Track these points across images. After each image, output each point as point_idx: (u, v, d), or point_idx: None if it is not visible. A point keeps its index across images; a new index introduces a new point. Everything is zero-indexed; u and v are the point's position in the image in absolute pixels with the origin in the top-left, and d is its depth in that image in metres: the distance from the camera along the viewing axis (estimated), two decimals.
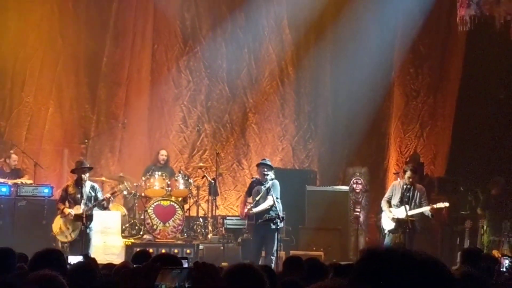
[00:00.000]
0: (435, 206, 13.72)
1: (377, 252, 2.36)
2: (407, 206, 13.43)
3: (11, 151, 15.62)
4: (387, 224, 13.73)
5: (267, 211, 12.97)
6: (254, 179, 13.94)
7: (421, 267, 2.27)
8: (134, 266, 5.40)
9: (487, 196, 15.59)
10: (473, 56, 17.50)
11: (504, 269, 8.47)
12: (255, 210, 13.03)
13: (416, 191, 13.69)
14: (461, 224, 15.62)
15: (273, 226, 12.92)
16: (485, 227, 15.44)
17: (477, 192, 16.40)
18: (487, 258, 8.82)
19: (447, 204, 13.95)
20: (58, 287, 3.96)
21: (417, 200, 13.65)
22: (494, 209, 15.40)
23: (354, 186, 16.59)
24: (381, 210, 14.48)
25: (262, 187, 13.13)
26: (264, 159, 13.84)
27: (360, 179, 16.69)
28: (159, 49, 18.07)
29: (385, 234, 13.82)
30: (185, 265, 4.73)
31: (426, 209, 13.59)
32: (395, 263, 2.29)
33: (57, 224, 13.01)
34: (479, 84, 17.55)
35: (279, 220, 12.92)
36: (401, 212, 13.43)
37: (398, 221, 13.49)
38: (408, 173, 13.72)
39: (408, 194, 13.63)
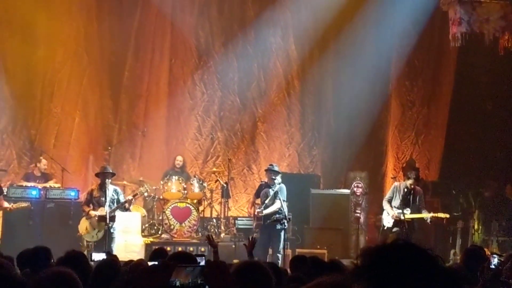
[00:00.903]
0: (436, 215, 13.80)
1: (379, 246, 2.33)
2: (408, 210, 13.53)
3: (41, 157, 15.68)
4: (388, 222, 13.80)
5: (274, 212, 12.97)
6: (263, 182, 13.94)
7: (420, 260, 2.25)
8: (151, 263, 5.42)
9: (481, 198, 15.56)
10: (464, 71, 17.51)
11: (493, 266, 8.45)
12: (264, 212, 13.03)
13: (416, 194, 13.76)
14: (453, 225, 15.61)
15: (279, 227, 12.91)
16: (475, 227, 15.45)
17: (468, 194, 16.38)
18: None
19: (447, 216, 14.05)
20: (72, 283, 3.96)
21: (417, 203, 13.75)
22: (487, 210, 15.40)
23: (355, 189, 16.56)
24: (380, 211, 14.52)
25: (270, 190, 13.11)
26: (272, 165, 13.81)
27: (360, 183, 16.67)
28: (176, 64, 18.10)
29: (385, 230, 13.89)
30: (202, 262, 4.75)
31: (427, 217, 13.66)
32: (396, 255, 2.28)
33: (83, 225, 13.03)
34: (469, 96, 17.56)
35: (286, 221, 12.92)
36: (401, 213, 13.49)
37: (397, 221, 13.56)
38: (411, 181, 13.79)
39: (408, 197, 13.72)
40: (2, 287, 3.82)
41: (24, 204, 13.59)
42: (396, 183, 14.36)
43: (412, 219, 13.70)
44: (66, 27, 17.22)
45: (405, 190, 13.76)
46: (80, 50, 17.41)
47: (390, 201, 13.90)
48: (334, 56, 18.04)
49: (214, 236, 15.21)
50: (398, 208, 13.65)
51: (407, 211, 13.55)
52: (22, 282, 4.02)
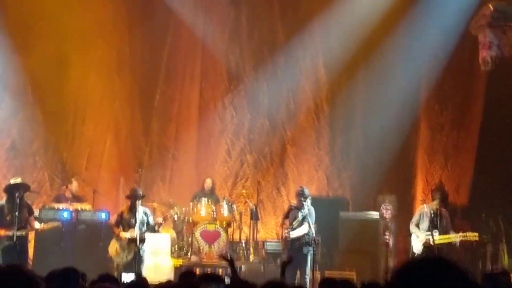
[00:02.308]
0: (465, 234, 13.69)
1: (410, 261, 2.31)
2: (436, 232, 13.44)
3: (72, 178, 15.77)
4: (417, 246, 13.71)
5: (302, 236, 12.91)
6: (292, 205, 13.87)
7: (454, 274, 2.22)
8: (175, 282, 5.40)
9: None
10: (494, 94, 17.32)
11: None
12: (291, 234, 12.97)
13: (443, 216, 13.71)
14: (483, 249, 15.44)
15: (306, 249, 12.85)
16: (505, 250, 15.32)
17: (498, 218, 16.20)
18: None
19: (476, 235, 13.91)
20: None
21: (444, 226, 13.67)
22: None
23: (384, 212, 16.42)
24: (409, 234, 14.40)
25: (299, 213, 13.06)
26: (302, 188, 13.69)
27: (389, 206, 16.53)
28: (206, 88, 18.18)
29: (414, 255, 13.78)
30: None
31: (456, 240, 13.56)
32: (428, 270, 2.26)
33: (113, 247, 13.07)
34: (499, 120, 17.37)
35: (314, 244, 12.85)
36: (430, 237, 13.43)
37: (427, 244, 13.49)
38: (436, 202, 13.76)
39: (436, 219, 13.64)
40: None
41: (55, 224, 13.65)
42: (422, 206, 14.30)
43: (441, 244, 13.58)
44: (99, 51, 17.40)
45: (432, 212, 13.71)
46: (112, 73, 17.57)
47: (417, 225, 13.83)
48: (363, 79, 18.00)
49: (243, 259, 15.33)
50: (426, 231, 13.59)
51: (436, 233, 13.48)
52: None
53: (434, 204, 13.80)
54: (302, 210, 13.01)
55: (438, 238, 13.50)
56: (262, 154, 18.07)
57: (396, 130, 17.47)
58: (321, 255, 15.28)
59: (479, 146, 17.51)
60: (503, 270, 11.23)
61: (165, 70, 17.87)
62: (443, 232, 13.60)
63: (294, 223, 12.99)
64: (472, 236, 13.87)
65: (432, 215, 13.69)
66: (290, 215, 13.22)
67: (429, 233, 13.47)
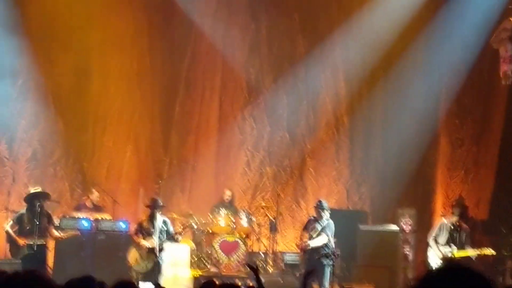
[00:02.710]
0: (480, 251, 13.56)
1: (433, 270, 2.28)
2: (454, 247, 13.34)
3: (93, 189, 15.81)
4: (434, 260, 13.59)
5: (321, 247, 12.82)
6: (311, 217, 13.82)
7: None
8: None
9: None
10: None
11: None
12: (310, 243, 12.87)
13: (462, 231, 13.59)
14: (503, 264, 15.29)
15: (325, 262, 12.74)
16: None
17: None
18: None
19: (494, 252, 13.78)
20: None
21: (463, 240, 13.57)
22: None
23: (404, 226, 16.32)
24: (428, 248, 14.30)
25: (318, 225, 13.02)
26: (321, 201, 13.63)
27: (409, 221, 16.42)
28: (226, 100, 18.19)
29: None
30: None
31: (472, 255, 13.44)
32: (451, 278, 2.27)
33: (133, 256, 13.06)
34: None
35: (333, 257, 12.75)
36: (448, 251, 13.31)
37: (445, 259, 13.37)
38: (455, 217, 13.65)
39: (455, 234, 13.57)
40: None
41: (74, 233, 13.64)
42: (443, 220, 14.21)
43: (459, 258, 13.47)
44: (119, 63, 17.47)
45: (452, 227, 13.62)
46: (133, 85, 17.62)
47: (436, 238, 13.73)
48: (383, 93, 17.94)
49: (262, 271, 15.24)
50: (444, 245, 13.48)
51: (454, 248, 13.38)
52: None
53: (454, 219, 13.70)
54: (321, 221, 12.97)
55: (456, 253, 13.40)
56: (282, 167, 18.05)
57: (416, 144, 17.39)
58: (339, 268, 15.19)
59: (499, 161, 17.40)
60: None
61: (185, 82, 17.91)
62: (460, 247, 13.50)
63: (312, 233, 12.93)
64: (488, 251, 13.75)
65: (452, 229, 13.60)
66: (309, 227, 13.17)
67: (447, 248, 13.37)
